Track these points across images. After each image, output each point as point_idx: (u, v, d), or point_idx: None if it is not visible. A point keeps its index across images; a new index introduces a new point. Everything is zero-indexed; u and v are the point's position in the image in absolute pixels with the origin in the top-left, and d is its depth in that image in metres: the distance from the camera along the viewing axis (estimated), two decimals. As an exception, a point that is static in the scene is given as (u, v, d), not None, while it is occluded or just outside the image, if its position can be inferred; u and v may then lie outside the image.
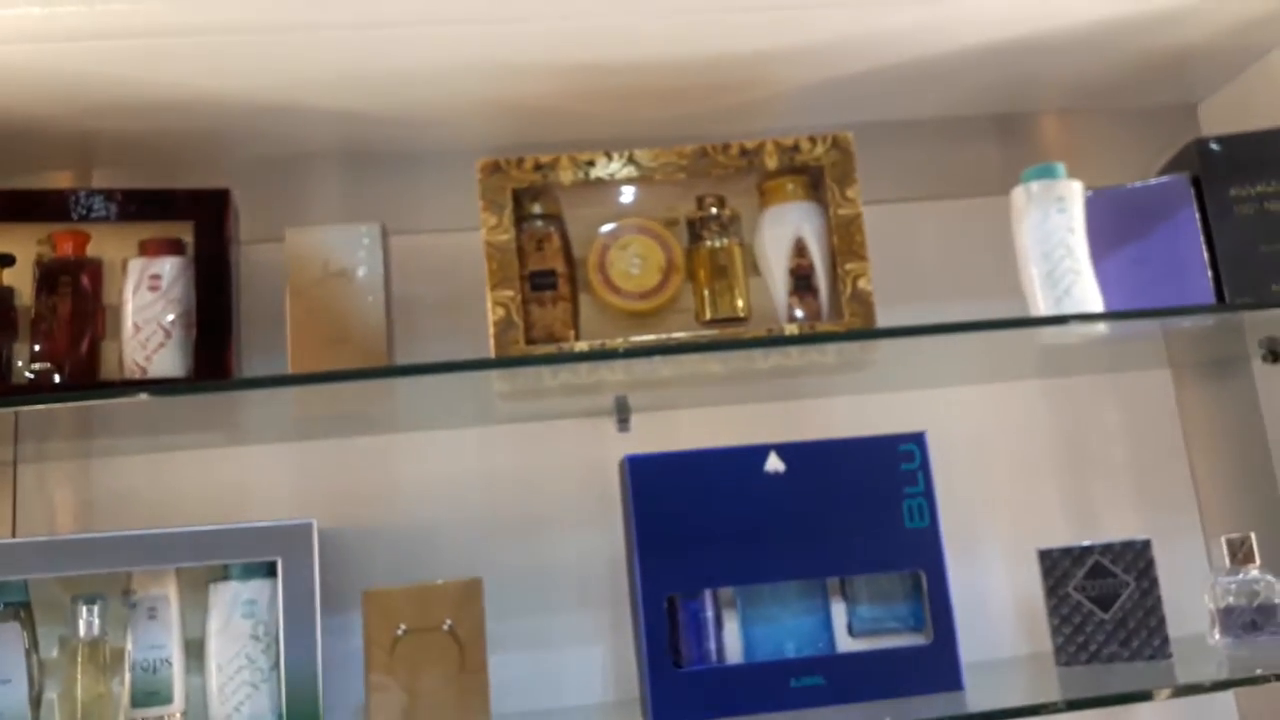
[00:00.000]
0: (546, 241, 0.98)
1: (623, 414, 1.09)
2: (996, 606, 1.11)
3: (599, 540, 1.08)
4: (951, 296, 1.14)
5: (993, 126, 1.21)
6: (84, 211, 0.96)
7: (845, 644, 0.96)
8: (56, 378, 0.94)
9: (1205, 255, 1.01)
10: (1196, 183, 1.03)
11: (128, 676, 0.89)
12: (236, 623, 0.91)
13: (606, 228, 1.00)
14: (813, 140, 0.97)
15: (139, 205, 0.97)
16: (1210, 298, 1.00)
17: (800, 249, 0.98)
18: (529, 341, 0.95)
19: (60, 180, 1.11)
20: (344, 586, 1.00)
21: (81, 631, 0.89)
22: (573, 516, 1.09)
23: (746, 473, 0.94)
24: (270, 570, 0.92)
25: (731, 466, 0.94)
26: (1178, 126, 1.22)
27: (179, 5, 0.88)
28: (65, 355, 0.95)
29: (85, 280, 0.97)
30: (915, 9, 0.98)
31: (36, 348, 0.95)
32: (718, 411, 1.12)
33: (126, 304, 0.96)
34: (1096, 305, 0.95)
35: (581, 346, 0.93)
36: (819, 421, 1.12)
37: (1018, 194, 0.98)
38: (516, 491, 1.09)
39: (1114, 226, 1.04)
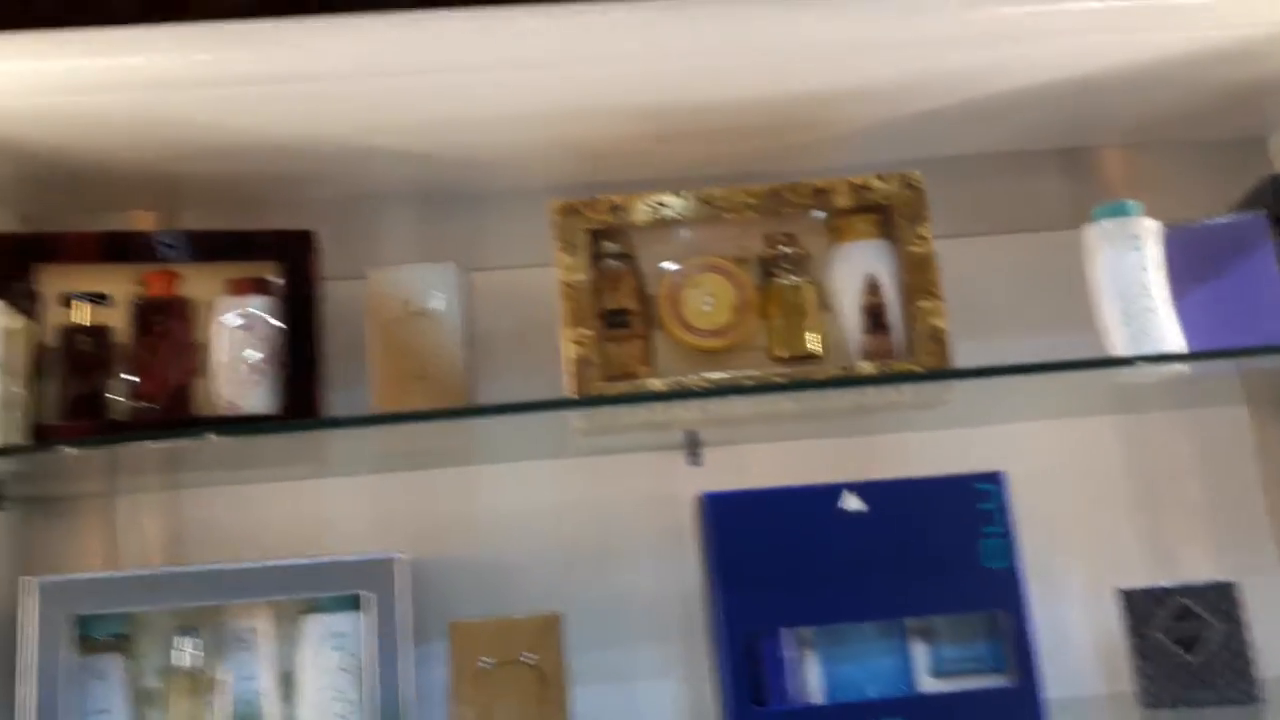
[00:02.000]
0: (621, 280, 1.00)
1: (694, 448, 1.10)
2: (1073, 645, 1.09)
3: (672, 574, 1.09)
4: (1021, 331, 1.14)
5: (1059, 160, 1.21)
6: (175, 252, 1.00)
7: (927, 684, 0.95)
8: (152, 414, 0.97)
9: (1284, 292, 1.00)
10: (1274, 219, 1.02)
11: (224, 707, 0.91)
12: (326, 655, 0.93)
13: (679, 266, 1.01)
14: (884, 179, 0.98)
15: (228, 246, 1.00)
16: (1289, 335, 0.99)
17: (872, 287, 0.99)
18: (605, 378, 0.96)
19: (150, 221, 1.15)
20: (425, 617, 1.02)
21: (180, 662, 0.91)
22: (645, 550, 1.10)
23: (825, 511, 0.94)
24: (359, 603, 0.94)
25: (810, 505, 0.94)
26: (1247, 159, 1.21)
27: (264, 56, 0.93)
28: (160, 392, 0.98)
29: (177, 318, 1.00)
30: (981, 51, 0.99)
31: (132, 385, 0.99)
32: (788, 446, 1.13)
33: (217, 342, 0.99)
34: (1175, 343, 0.95)
35: (658, 384, 0.95)
36: (891, 457, 1.11)
37: (1090, 232, 0.98)
38: (589, 524, 1.10)
39: (1189, 264, 1.03)
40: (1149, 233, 0.97)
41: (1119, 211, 0.97)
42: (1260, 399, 1.17)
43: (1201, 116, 1.17)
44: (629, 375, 0.98)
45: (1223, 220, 1.05)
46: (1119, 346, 0.95)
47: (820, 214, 1.01)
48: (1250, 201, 1.07)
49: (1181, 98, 1.12)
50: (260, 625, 0.94)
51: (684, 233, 1.02)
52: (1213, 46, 1.01)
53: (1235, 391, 1.14)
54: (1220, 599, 0.98)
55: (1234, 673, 0.96)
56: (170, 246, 0.99)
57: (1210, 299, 1.03)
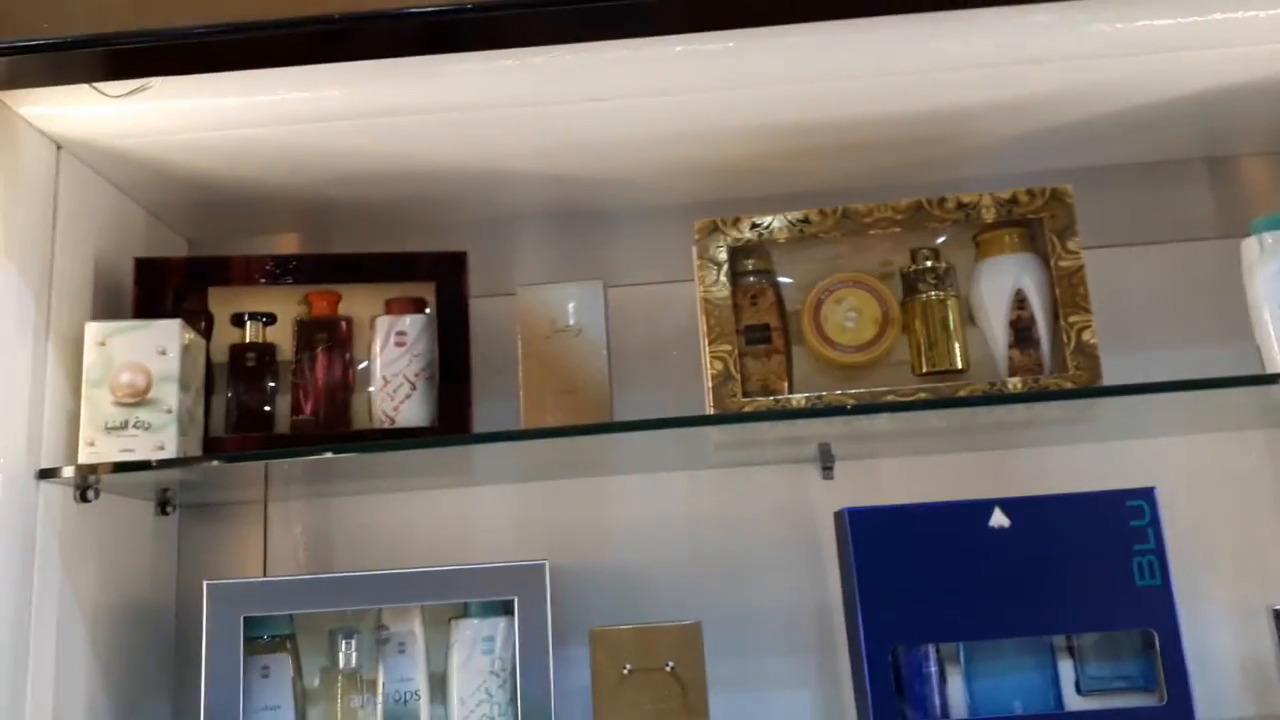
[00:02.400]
0: (760, 296, 1.02)
1: (827, 462, 1.11)
2: (1221, 665, 1.07)
3: (805, 585, 1.10)
4: (1168, 342, 1.12)
5: (1205, 170, 1.18)
6: (337, 273, 1.05)
7: (1074, 702, 0.94)
8: (313, 427, 1.03)
9: None
10: None
11: (380, 707, 0.96)
12: (477, 659, 0.97)
13: (821, 282, 1.02)
14: (1031, 193, 0.98)
15: (386, 267, 1.05)
16: None
17: (1020, 301, 0.98)
18: (745, 394, 0.98)
19: (301, 244, 1.22)
20: (562, 622, 1.05)
21: (341, 663, 0.97)
22: (779, 561, 1.11)
23: (970, 527, 0.94)
24: (507, 608, 0.98)
25: (954, 521, 0.94)
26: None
27: (414, 90, 0.96)
28: (321, 406, 1.04)
29: (338, 336, 1.06)
30: (1124, 63, 0.97)
31: (295, 399, 1.05)
32: (920, 461, 1.13)
33: (375, 359, 1.04)
34: (1339, 357, 0.92)
35: (799, 400, 0.96)
36: (1028, 471, 1.11)
37: (1249, 245, 0.95)
38: (724, 535, 1.12)
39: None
40: (1310, 244, 0.94)
41: (1278, 224, 0.94)
42: None
43: (1352, 122, 1.12)
44: (769, 390, 0.99)
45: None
46: (1278, 361, 0.92)
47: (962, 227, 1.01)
48: None
49: (1330, 104, 1.08)
50: (415, 629, 0.98)
51: (823, 248, 1.04)
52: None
53: (1395, 404, 1.09)
54: (1388, 623, 0.95)
55: (1405, 700, 0.93)
56: (332, 268, 1.05)
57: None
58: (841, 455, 1.11)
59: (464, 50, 0.96)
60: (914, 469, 1.12)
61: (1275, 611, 0.98)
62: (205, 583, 0.95)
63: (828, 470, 1.11)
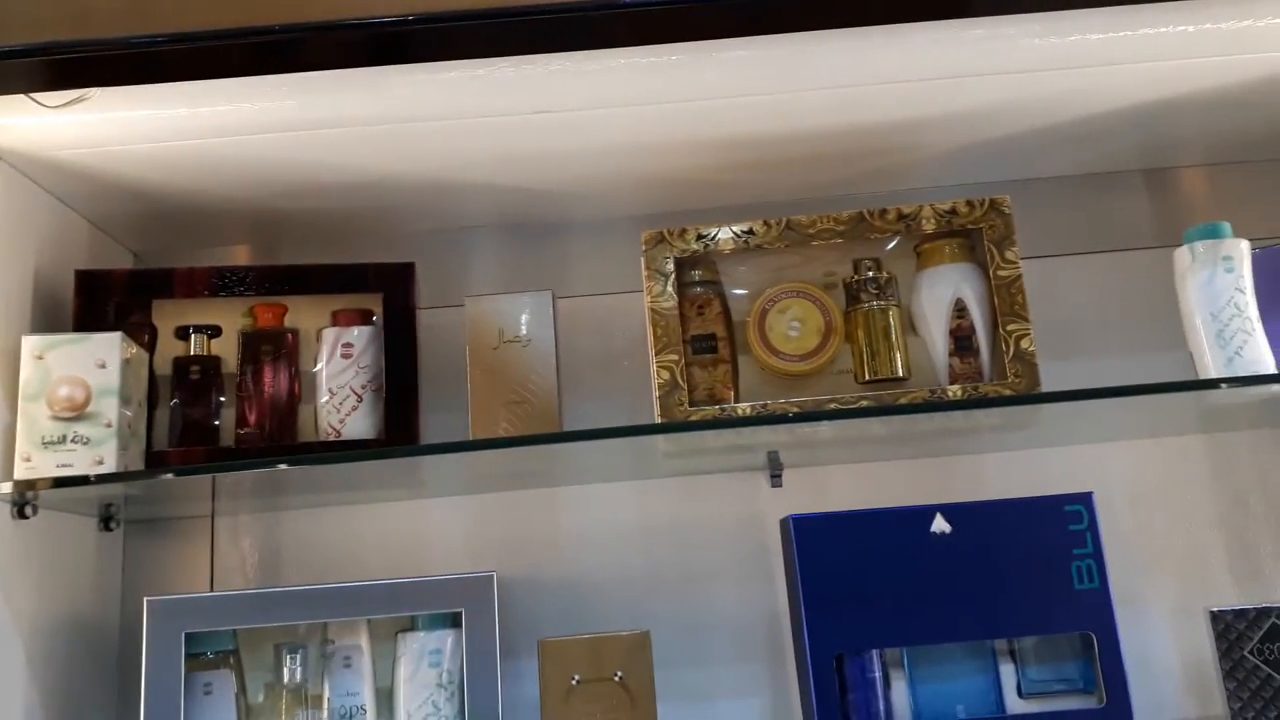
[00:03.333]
0: (707, 307, 1.03)
1: (775, 470, 1.12)
2: (1162, 666, 1.09)
3: (755, 593, 1.10)
4: (1107, 350, 1.14)
5: (1143, 181, 1.21)
6: (282, 285, 1.05)
7: (1015, 705, 0.96)
8: (258, 440, 1.02)
9: (1382, 310, 0.99)
10: (1370, 236, 1.01)
11: (326, 721, 0.96)
12: (424, 672, 0.97)
13: (766, 291, 1.03)
14: (970, 204, 0.99)
15: (333, 278, 1.05)
16: (1387, 352, 0.98)
17: (960, 310, 1.00)
18: (691, 403, 0.98)
19: (249, 255, 1.21)
20: (512, 634, 1.05)
21: (285, 679, 0.96)
22: (728, 570, 1.12)
23: (912, 533, 0.95)
24: (454, 621, 0.97)
25: (897, 527, 0.95)
26: (1337, 174, 1.20)
27: (370, 99, 0.96)
28: (266, 418, 1.03)
29: (284, 349, 1.05)
30: (1065, 76, 0.99)
31: (240, 411, 1.04)
32: (868, 467, 1.14)
33: (321, 370, 1.04)
34: (1269, 364, 0.94)
35: (744, 409, 0.97)
36: (971, 478, 1.12)
37: (1182, 254, 0.98)
38: (673, 544, 1.13)
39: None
40: (1241, 253, 0.97)
41: (1211, 233, 0.97)
42: (1353, 417, 1.15)
43: (1284, 135, 1.16)
44: (715, 399, 1.00)
45: (1314, 238, 1.04)
46: (1212, 368, 0.95)
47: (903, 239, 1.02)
48: (1341, 218, 1.05)
49: (1265, 118, 1.11)
50: (361, 643, 0.98)
51: (769, 259, 1.05)
52: (1289, 68, 1.01)
53: (1327, 409, 1.12)
54: (1318, 623, 0.97)
55: (1334, 698, 0.95)
56: (278, 280, 1.04)
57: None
58: (790, 463, 1.12)
59: (410, 62, 0.96)
60: (861, 476, 1.13)
61: (1212, 614, 0.99)
62: (145, 599, 0.93)
63: (776, 478, 1.12)
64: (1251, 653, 0.98)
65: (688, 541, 1.13)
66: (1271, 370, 0.94)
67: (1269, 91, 1.04)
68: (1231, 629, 0.99)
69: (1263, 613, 0.98)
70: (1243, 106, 1.07)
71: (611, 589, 1.11)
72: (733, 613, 1.10)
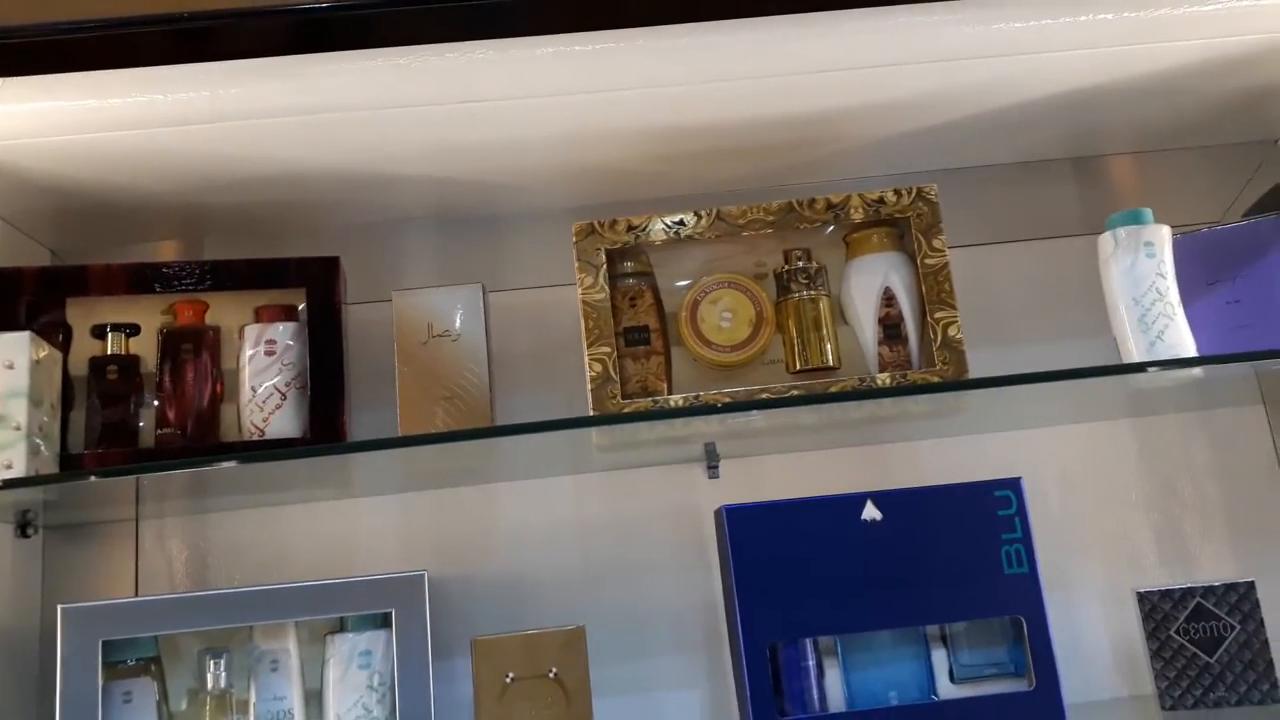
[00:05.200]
0: (639, 298, 1.02)
1: (712, 461, 1.12)
2: (1093, 647, 1.10)
3: (693, 585, 1.10)
4: (1037, 337, 1.15)
5: (1070, 169, 1.22)
6: (202, 282, 1.02)
7: (947, 690, 0.96)
8: (179, 441, 0.99)
9: (1298, 294, 1.01)
10: (1287, 222, 1.03)
11: (252, 727, 0.93)
12: (354, 673, 0.95)
13: (697, 283, 1.03)
14: (898, 193, 1.00)
15: (255, 274, 1.02)
16: (1306, 336, 1.00)
17: (889, 298, 1.00)
18: (624, 395, 0.98)
19: (174, 251, 1.18)
20: (449, 634, 1.04)
21: (209, 684, 0.94)
22: (666, 562, 1.11)
23: (844, 521, 0.95)
24: (384, 621, 0.95)
25: (829, 515, 0.95)
26: (1259, 162, 1.22)
27: (290, 88, 0.94)
28: (187, 418, 1.00)
29: (205, 347, 1.02)
30: (991, 64, 1.00)
31: (160, 412, 1.01)
32: (805, 457, 1.14)
33: (244, 368, 1.01)
34: (1190, 348, 0.95)
35: (677, 400, 0.96)
36: (907, 465, 1.13)
37: (1104, 240, 0.99)
38: (611, 538, 1.12)
39: (1205, 268, 1.04)
40: (1163, 239, 0.98)
41: (1133, 219, 0.98)
42: (1277, 398, 1.17)
43: (1213, 123, 1.17)
44: (649, 391, 0.99)
45: (1238, 225, 1.05)
46: (1134, 352, 0.96)
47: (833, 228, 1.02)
48: (1263, 205, 1.07)
49: (1193, 105, 1.12)
50: (288, 645, 0.95)
51: (701, 250, 1.04)
52: (1221, 55, 1.02)
53: (1252, 392, 1.15)
54: (1238, 599, 0.99)
55: (1254, 673, 0.97)
56: (199, 275, 1.01)
57: (1227, 302, 1.04)
58: (727, 454, 1.12)
59: (330, 50, 0.94)
60: (798, 466, 1.13)
61: (1139, 595, 1.01)
62: (60, 607, 0.90)
63: (713, 469, 1.12)
64: (1177, 632, 0.99)
65: (625, 535, 1.12)
66: (1192, 354, 0.95)
67: (1190, 79, 1.06)
68: (1158, 609, 1.00)
69: (1188, 593, 1.00)
70: (1167, 94, 1.09)
71: (548, 585, 1.10)
72: (670, 605, 1.10)
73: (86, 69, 0.91)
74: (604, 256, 0.99)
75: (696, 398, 0.96)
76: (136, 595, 1.08)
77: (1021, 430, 1.14)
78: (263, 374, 1.00)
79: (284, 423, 1.00)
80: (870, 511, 0.95)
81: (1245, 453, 1.16)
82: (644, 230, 1.00)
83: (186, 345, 1.01)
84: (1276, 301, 1.01)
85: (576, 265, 0.99)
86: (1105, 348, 1.00)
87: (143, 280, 1.02)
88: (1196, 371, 0.97)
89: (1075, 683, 1.05)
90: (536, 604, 1.09)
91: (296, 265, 1.03)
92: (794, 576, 0.94)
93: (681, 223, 1.00)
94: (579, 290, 0.98)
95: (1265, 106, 1.15)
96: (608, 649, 1.07)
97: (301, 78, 0.94)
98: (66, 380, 1.00)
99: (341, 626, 0.97)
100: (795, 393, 0.95)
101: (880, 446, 1.14)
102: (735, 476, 1.12)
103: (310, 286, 1.02)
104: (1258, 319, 1.01)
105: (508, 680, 0.95)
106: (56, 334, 1.00)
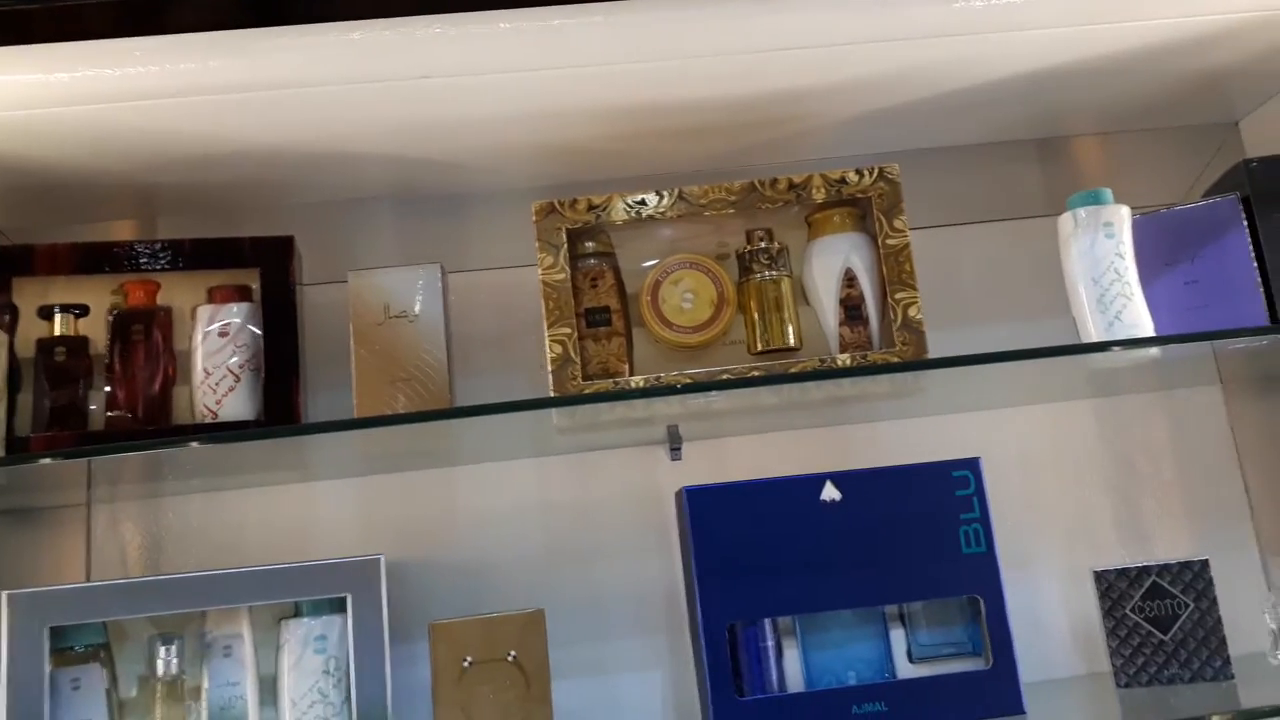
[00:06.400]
0: (600, 279, 1.01)
1: (675, 443, 1.11)
2: (1052, 626, 1.11)
3: (655, 567, 1.10)
4: (999, 318, 1.16)
5: (1034, 150, 1.23)
6: (154, 261, 1.00)
7: (906, 670, 0.97)
8: (130, 423, 0.97)
9: (1256, 275, 1.01)
10: (1246, 202, 1.03)
11: (204, 714, 0.92)
12: (309, 659, 0.94)
13: (658, 263, 1.02)
14: (860, 172, 0.99)
15: (207, 254, 1.00)
16: (1262, 316, 1.01)
17: (850, 279, 1.00)
18: (585, 377, 0.97)
19: (127, 230, 1.15)
20: (408, 618, 1.03)
21: (160, 670, 0.92)
22: (628, 544, 1.11)
23: (803, 502, 0.95)
24: (340, 606, 0.94)
25: (788, 496, 0.95)
26: (1220, 144, 1.22)
27: (241, 64, 0.92)
28: (138, 401, 0.98)
29: (156, 328, 1.00)
30: (953, 43, 0.99)
31: (110, 394, 0.99)
32: (768, 439, 1.14)
33: (196, 350, 0.99)
34: (1148, 328, 0.96)
35: (638, 381, 0.95)
36: (868, 446, 1.13)
37: (1065, 220, 0.99)
38: (573, 521, 1.11)
39: (1164, 248, 1.05)
40: (1122, 219, 0.98)
41: (1092, 199, 0.98)
42: (1234, 379, 1.18)
43: (1174, 104, 1.18)
44: (610, 373, 0.98)
45: (1197, 204, 1.06)
46: (1093, 332, 0.96)
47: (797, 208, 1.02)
48: (1223, 185, 1.08)
49: (1154, 86, 1.13)
50: (241, 631, 0.94)
51: (663, 230, 1.03)
52: (1182, 35, 1.02)
53: (1209, 372, 1.16)
54: (1193, 577, 1.00)
55: (1207, 650, 0.98)
56: (150, 255, 0.99)
57: (1185, 282, 1.05)
58: (690, 436, 1.11)
59: (282, 24, 0.92)
60: (761, 447, 1.13)
61: (1096, 573, 1.02)
62: (4, 593, 0.88)
63: (676, 451, 1.11)
64: (1133, 610, 1.00)
65: (587, 518, 1.11)
66: (1150, 334, 0.96)
67: (1151, 60, 1.06)
68: (1114, 588, 1.01)
69: (1143, 571, 1.01)
70: (1128, 75, 1.09)
71: (509, 569, 1.09)
72: (632, 587, 1.10)
73: (31, 42, 0.89)
74: (565, 236, 0.98)
75: (658, 379, 0.95)
76: (88, 581, 1.06)
77: (982, 411, 1.15)
78: (216, 355, 0.98)
79: (237, 405, 0.98)
80: (829, 492, 0.95)
81: (1202, 432, 1.17)
82: (605, 210, 0.99)
83: (137, 326, 0.99)
84: (1233, 281, 1.02)
85: (537, 245, 0.98)
86: (1066, 328, 1.00)
87: (92, 260, 0.99)
88: (1154, 351, 0.98)
89: (1034, 661, 1.06)
90: (497, 587, 1.08)
91: (250, 245, 1.01)
92: (753, 557, 0.94)
93: (643, 202, 0.99)
94: (539, 270, 0.97)
95: (1225, 88, 1.15)
96: (569, 632, 1.07)
97: (253, 53, 0.92)
98: (13, 362, 0.97)
99: (297, 611, 0.96)
100: (756, 374, 0.94)
101: (843, 428, 1.14)
102: (698, 458, 1.12)
103: (264, 267, 1.00)
104: (1214, 299, 1.02)
105: (465, 664, 0.95)
106: (2, 315, 0.98)
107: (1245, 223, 1.03)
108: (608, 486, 1.12)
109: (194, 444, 0.89)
